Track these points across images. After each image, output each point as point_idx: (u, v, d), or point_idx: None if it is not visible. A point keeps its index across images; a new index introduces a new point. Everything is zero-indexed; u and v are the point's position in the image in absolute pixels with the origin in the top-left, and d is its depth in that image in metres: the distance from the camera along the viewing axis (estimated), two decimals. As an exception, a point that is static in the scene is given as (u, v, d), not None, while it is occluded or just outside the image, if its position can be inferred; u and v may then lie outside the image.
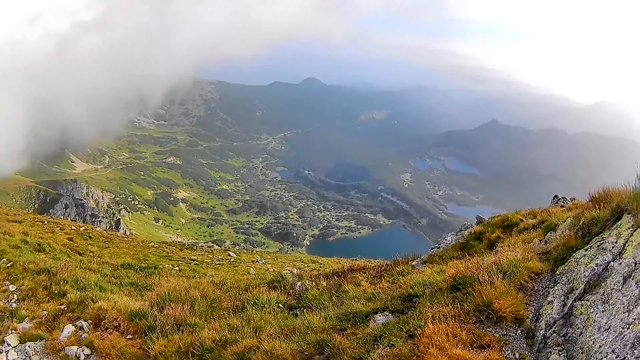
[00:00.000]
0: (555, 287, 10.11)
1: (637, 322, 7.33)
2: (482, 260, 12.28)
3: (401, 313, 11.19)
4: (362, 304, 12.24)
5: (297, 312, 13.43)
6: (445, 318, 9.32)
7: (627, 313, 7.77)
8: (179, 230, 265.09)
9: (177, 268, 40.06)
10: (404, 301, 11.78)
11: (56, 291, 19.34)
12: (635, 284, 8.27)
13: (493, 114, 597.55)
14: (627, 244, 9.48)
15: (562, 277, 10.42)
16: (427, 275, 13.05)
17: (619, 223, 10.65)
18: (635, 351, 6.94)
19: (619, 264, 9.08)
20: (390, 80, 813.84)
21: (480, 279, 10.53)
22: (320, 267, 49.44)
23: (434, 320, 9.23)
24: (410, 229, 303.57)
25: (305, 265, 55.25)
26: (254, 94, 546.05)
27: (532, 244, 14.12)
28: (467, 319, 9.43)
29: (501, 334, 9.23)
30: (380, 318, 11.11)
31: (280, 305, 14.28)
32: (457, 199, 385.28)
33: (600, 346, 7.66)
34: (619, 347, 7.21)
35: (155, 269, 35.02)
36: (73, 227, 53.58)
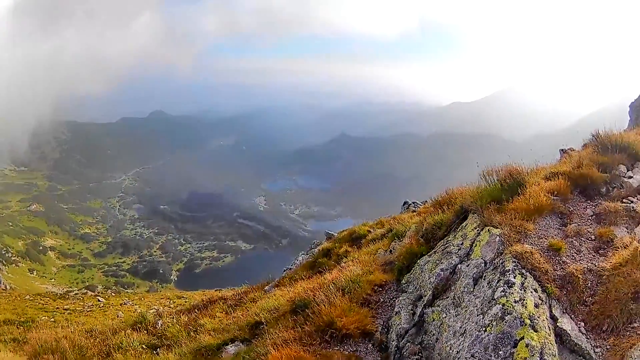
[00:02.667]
0: (401, 297, 9.73)
1: (494, 323, 6.98)
2: (323, 278, 11.98)
3: (249, 341, 10.75)
4: (213, 336, 11.97)
5: (159, 351, 12.91)
6: (287, 343, 8.84)
7: (481, 315, 7.39)
8: (53, 280, 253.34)
9: (52, 319, 39.16)
10: (252, 329, 11.35)
11: (-48, 358, 18.58)
12: (488, 284, 7.93)
13: (342, 127, 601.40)
14: (474, 245, 9.16)
15: (408, 286, 10.02)
16: (274, 300, 12.78)
17: (464, 224, 10.38)
18: (499, 352, 6.55)
19: (467, 266, 8.74)
20: (235, 105, 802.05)
21: (318, 300, 10.11)
22: (186, 301, 48.76)
23: (275, 346, 8.69)
24: (273, 251, 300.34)
25: (172, 301, 54.54)
26: (104, 132, 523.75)
27: (377, 255, 13.84)
28: (311, 341, 8.93)
29: (350, 350, 8.75)
30: (231, 349, 10.77)
31: (143, 346, 13.78)
32: (314, 215, 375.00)
33: (457, 352, 7.28)
34: (479, 350, 6.79)
35: (32, 322, 34.61)
36: (-43, 290, 52.21)
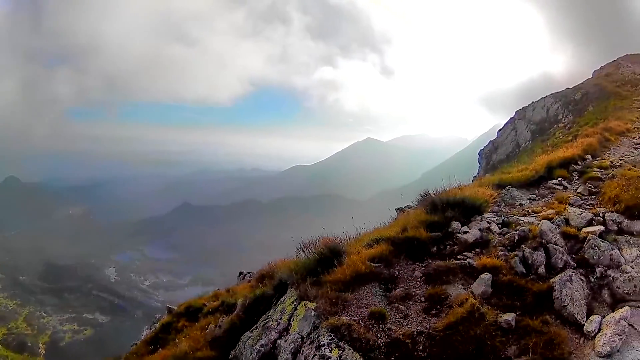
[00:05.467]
0: (226, 374, 9.45)
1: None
2: (156, 356, 11.61)
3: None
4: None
5: None
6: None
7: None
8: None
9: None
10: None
11: None
12: (305, 359, 7.83)
13: (184, 196, 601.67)
14: (292, 319, 9.12)
15: (235, 362, 9.81)
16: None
17: (283, 298, 10.28)
18: None
19: (286, 341, 8.67)
20: (84, 173, 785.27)
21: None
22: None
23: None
24: (130, 323, 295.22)
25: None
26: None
27: (207, 329, 13.32)
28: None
29: None
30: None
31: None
32: (164, 285, 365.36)
33: None
34: None
35: None
36: None
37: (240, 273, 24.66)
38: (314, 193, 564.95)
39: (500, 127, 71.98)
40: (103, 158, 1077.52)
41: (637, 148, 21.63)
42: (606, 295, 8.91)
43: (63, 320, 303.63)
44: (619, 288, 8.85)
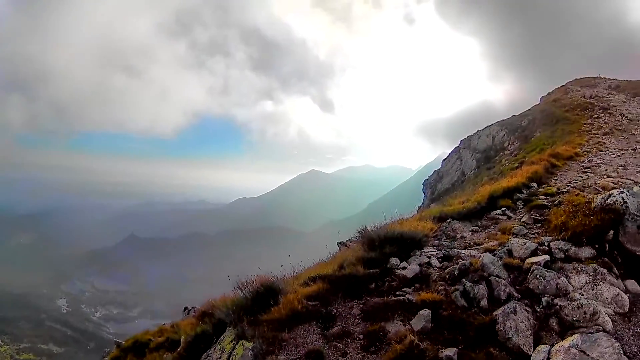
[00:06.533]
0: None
1: None
2: None
3: None
4: None
5: None
6: None
7: None
8: None
9: None
10: None
11: None
12: None
13: (131, 228, 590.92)
14: (231, 358, 8.85)
15: (180, 397, 9.70)
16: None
17: (222, 337, 10.04)
18: None
19: None
20: (33, 201, 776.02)
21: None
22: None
23: None
24: (83, 354, 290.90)
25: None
26: None
27: None
28: None
29: None
30: None
31: None
32: (115, 317, 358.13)
33: None
34: None
35: None
36: None
37: (185, 308, 24.42)
38: (259, 225, 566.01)
39: (445, 157, 71.60)
40: (52, 186, 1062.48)
41: (586, 172, 21.52)
42: (554, 324, 8.83)
43: (20, 349, 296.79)
44: (567, 316, 8.81)
